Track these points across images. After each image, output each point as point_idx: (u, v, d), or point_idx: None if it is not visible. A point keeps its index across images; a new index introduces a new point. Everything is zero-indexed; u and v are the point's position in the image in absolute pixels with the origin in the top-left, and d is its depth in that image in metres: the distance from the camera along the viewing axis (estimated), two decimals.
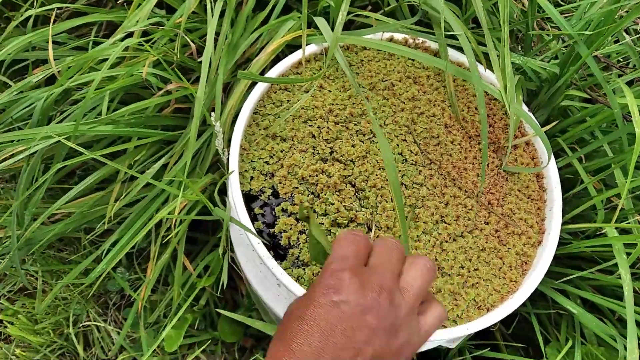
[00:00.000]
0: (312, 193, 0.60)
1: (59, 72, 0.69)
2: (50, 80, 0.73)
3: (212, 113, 0.64)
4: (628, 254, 0.54)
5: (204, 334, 0.80)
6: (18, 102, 0.68)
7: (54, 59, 0.70)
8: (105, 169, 0.71)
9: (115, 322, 0.83)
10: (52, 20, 0.71)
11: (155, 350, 0.76)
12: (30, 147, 0.62)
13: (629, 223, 0.58)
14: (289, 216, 0.59)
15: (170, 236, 0.68)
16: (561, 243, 0.64)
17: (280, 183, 0.61)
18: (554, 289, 0.64)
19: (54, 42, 0.71)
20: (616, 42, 0.68)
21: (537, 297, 0.69)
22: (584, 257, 0.67)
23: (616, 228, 0.56)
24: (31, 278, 0.86)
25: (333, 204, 0.60)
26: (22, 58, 0.79)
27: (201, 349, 0.70)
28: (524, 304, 0.70)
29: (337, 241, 0.42)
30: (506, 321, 0.74)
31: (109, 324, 0.82)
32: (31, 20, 0.76)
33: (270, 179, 0.61)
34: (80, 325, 0.83)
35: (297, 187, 0.60)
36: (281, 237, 0.58)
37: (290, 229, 0.59)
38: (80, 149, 0.56)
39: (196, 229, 0.85)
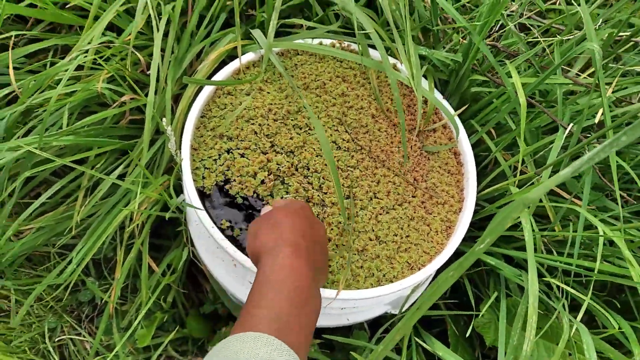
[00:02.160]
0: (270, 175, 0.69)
1: (20, 91, 0.76)
2: (12, 101, 0.79)
3: (164, 119, 0.72)
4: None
5: (174, 332, 0.85)
6: None
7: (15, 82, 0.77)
8: (67, 179, 0.78)
9: (89, 333, 0.87)
10: (10, 46, 0.78)
11: (130, 350, 0.81)
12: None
13: (529, 181, 0.68)
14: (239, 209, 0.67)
15: (134, 240, 0.75)
16: (478, 210, 0.74)
17: (235, 181, 0.68)
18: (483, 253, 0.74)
19: (13, 67, 0.78)
20: (501, 28, 0.80)
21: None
22: None
23: (517, 185, 0.66)
24: (4, 300, 0.89)
25: (291, 186, 0.68)
26: None
27: (167, 339, 0.75)
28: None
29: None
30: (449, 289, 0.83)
31: (83, 336, 0.86)
32: None
33: (221, 175, 0.69)
34: (56, 339, 0.87)
35: (252, 179, 0.68)
36: (233, 229, 0.66)
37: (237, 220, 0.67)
38: (48, 155, 0.62)
39: (158, 235, 0.91)
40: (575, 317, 0.60)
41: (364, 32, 0.71)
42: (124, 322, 0.84)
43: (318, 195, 0.69)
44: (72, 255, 0.77)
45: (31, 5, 0.81)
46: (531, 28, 0.87)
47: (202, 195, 0.67)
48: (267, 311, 0.44)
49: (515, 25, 0.78)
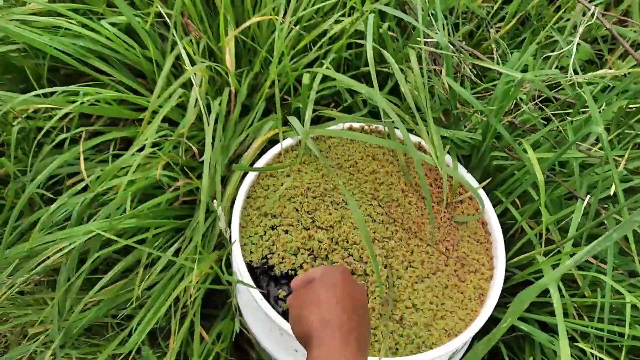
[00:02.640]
0: (311, 255, 0.75)
1: (90, 181, 0.86)
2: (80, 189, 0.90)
3: (214, 201, 0.81)
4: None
5: None
6: (58, 209, 0.84)
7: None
8: (128, 258, 0.86)
9: None
10: (82, 140, 0.90)
11: None
12: (72, 242, 0.77)
13: (555, 249, 0.72)
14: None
15: (187, 310, 0.81)
16: (509, 276, 0.78)
17: (277, 260, 0.75)
18: (517, 319, 0.77)
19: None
20: (517, 108, 0.87)
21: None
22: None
23: (544, 254, 0.70)
24: None
25: (336, 262, 0.74)
26: (55, 174, 0.97)
27: None
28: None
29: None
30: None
31: None
32: (67, 142, 0.94)
33: (267, 250, 0.76)
34: None
35: (293, 257, 0.75)
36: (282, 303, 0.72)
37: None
38: (115, 238, 0.71)
39: (207, 305, 0.97)
40: None
41: (389, 120, 0.80)
42: None
43: (360, 267, 0.75)
44: (132, 325, 0.84)
45: (94, 103, 0.94)
46: (552, 100, 0.94)
47: (251, 268, 0.74)
48: None
49: (531, 99, 0.85)
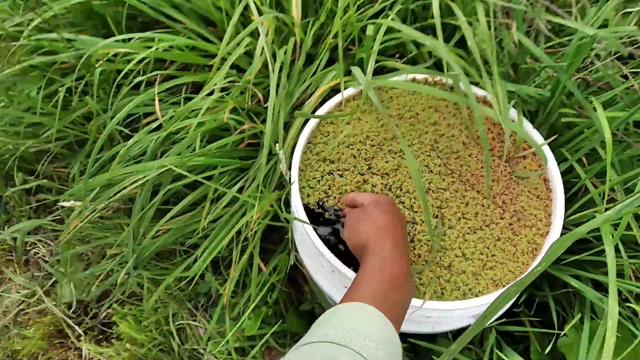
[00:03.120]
0: None
1: (164, 121, 0.93)
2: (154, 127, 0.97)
3: (276, 144, 0.85)
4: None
5: (276, 326, 0.97)
6: (135, 144, 0.91)
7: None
8: (196, 192, 0.93)
9: (204, 319, 1.02)
10: (157, 83, 0.96)
11: (237, 337, 0.94)
12: (146, 176, 0.85)
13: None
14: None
15: (248, 243, 0.88)
16: (567, 233, 0.77)
17: (332, 202, 0.78)
18: (568, 275, 0.76)
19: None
20: (593, 64, 0.83)
21: (555, 283, 0.81)
22: (593, 246, 0.78)
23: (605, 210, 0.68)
24: (136, 287, 1.07)
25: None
26: (133, 113, 1.05)
27: (270, 331, 0.87)
28: (542, 289, 0.82)
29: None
30: (529, 306, 0.86)
31: (199, 322, 1.01)
32: (143, 85, 1.01)
33: (323, 193, 0.79)
34: (177, 323, 1.02)
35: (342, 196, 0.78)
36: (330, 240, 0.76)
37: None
38: (185, 173, 0.77)
39: (266, 240, 1.04)
40: None
41: (453, 73, 0.78)
42: (234, 313, 0.97)
43: (409, 214, 0.77)
44: (197, 253, 0.92)
45: (167, 49, 1.00)
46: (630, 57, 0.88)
47: (307, 210, 0.78)
48: (370, 290, 0.55)
49: (610, 56, 0.80)
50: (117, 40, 1.01)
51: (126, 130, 1.00)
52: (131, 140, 0.87)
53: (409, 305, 0.61)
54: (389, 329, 0.51)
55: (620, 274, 0.70)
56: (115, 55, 1.06)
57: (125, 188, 0.89)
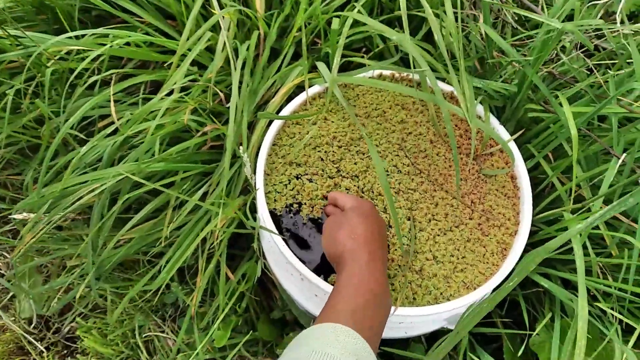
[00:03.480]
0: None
1: (120, 124, 0.88)
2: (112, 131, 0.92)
3: (240, 147, 0.81)
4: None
5: (247, 335, 0.94)
6: (90, 150, 0.86)
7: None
8: (158, 199, 0.88)
9: (172, 331, 0.98)
10: (112, 83, 0.90)
11: (207, 349, 0.91)
12: (103, 184, 0.80)
13: (583, 207, 0.69)
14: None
15: (214, 250, 0.84)
16: (536, 231, 0.77)
17: (305, 204, 0.76)
18: (538, 274, 0.76)
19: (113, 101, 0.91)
20: (559, 58, 0.82)
21: (525, 282, 0.81)
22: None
23: (573, 212, 0.68)
24: (100, 299, 1.03)
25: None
26: (88, 115, 0.99)
27: (242, 341, 0.84)
28: (514, 289, 0.81)
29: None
30: (501, 306, 0.86)
31: (167, 333, 0.97)
32: (97, 85, 0.95)
33: (291, 198, 0.77)
34: (144, 336, 0.99)
35: (317, 203, 0.76)
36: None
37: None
38: (143, 182, 0.73)
39: (233, 246, 1.00)
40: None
41: (420, 70, 0.76)
42: (203, 323, 0.94)
43: (385, 217, 0.75)
44: (161, 263, 0.88)
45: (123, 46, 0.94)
46: (595, 51, 0.88)
47: (274, 216, 0.75)
48: (346, 307, 0.53)
49: (575, 48, 0.80)
50: (70, 37, 0.95)
51: (81, 135, 0.95)
52: (85, 146, 0.82)
53: (387, 317, 0.58)
54: (365, 348, 0.49)
55: (588, 271, 0.70)
56: (68, 53, 0.99)
57: (81, 197, 0.84)
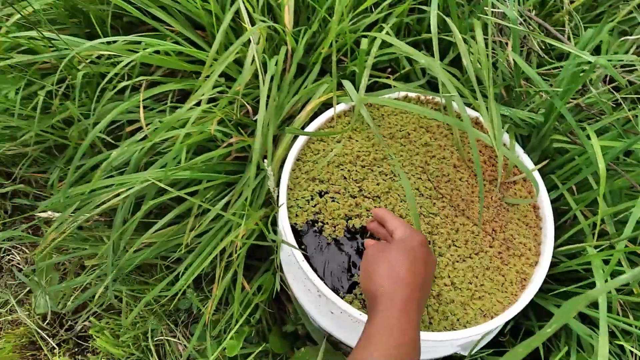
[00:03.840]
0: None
1: (149, 131, 0.90)
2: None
3: (265, 160, 0.82)
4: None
5: (258, 346, 0.95)
6: (119, 155, 0.88)
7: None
8: (180, 207, 0.90)
9: (183, 337, 0.99)
10: (142, 89, 0.92)
11: (218, 357, 0.92)
12: (130, 188, 0.82)
13: (609, 244, 0.69)
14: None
15: (232, 260, 0.85)
16: (556, 263, 0.76)
17: (327, 224, 0.76)
18: (554, 305, 0.76)
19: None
20: (585, 89, 0.82)
21: (542, 313, 0.80)
22: (581, 277, 0.78)
23: (596, 247, 0.68)
24: (115, 300, 1.04)
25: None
26: (116, 120, 1.01)
27: (255, 352, 0.85)
28: (529, 318, 0.81)
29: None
30: (515, 335, 0.85)
31: (179, 339, 0.98)
32: (128, 90, 0.97)
33: (312, 215, 0.77)
34: (155, 339, 1.00)
35: (339, 223, 0.76)
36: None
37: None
38: (169, 189, 0.74)
39: (250, 257, 1.01)
40: None
41: (448, 94, 0.77)
42: (215, 331, 0.95)
43: None
44: (179, 269, 0.89)
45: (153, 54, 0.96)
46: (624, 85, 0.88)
47: (294, 231, 0.76)
48: (379, 353, 0.50)
49: (603, 81, 0.80)
50: (102, 42, 0.97)
51: (108, 138, 0.97)
52: (115, 151, 0.84)
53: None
54: None
55: (608, 307, 0.70)
56: (99, 57, 1.02)
57: (107, 200, 0.85)
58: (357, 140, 0.84)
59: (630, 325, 0.65)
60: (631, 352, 0.65)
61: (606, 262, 0.68)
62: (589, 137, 0.69)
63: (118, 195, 0.84)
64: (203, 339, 0.93)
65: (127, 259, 0.88)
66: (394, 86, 0.90)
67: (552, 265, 0.74)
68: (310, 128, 0.84)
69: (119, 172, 0.92)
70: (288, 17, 0.99)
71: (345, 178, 0.80)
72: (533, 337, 0.31)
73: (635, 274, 0.29)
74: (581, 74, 0.68)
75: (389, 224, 0.64)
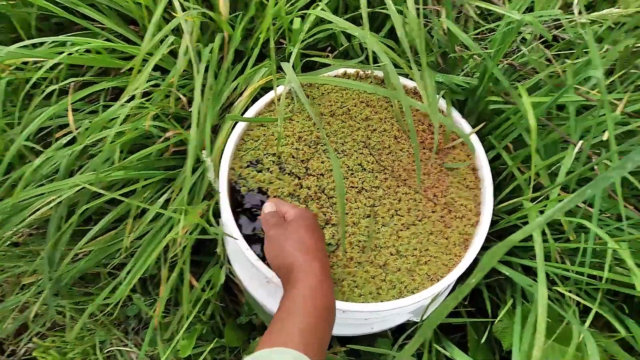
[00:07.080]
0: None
1: (78, 133, 0.99)
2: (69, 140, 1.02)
3: (204, 151, 0.92)
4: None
5: (213, 342, 1.04)
6: (46, 162, 0.96)
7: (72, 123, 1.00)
8: (118, 208, 0.99)
9: (135, 345, 1.08)
10: (70, 91, 1.02)
11: None
12: (60, 196, 0.90)
13: (542, 195, 0.81)
14: None
15: (176, 258, 0.95)
16: (497, 221, 0.88)
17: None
18: (500, 262, 0.88)
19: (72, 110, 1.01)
20: (520, 49, 0.95)
21: (491, 271, 0.92)
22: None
23: (533, 200, 0.80)
24: (59, 316, 1.12)
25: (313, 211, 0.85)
26: (45, 126, 1.09)
27: (207, 349, 0.94)
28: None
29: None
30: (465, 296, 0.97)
31: (130, 347, 1.07)
32: (55, 94, 1.06)
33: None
34: (106, 351, 1.08)
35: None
36: None
37: None
38: (102, 191, 0.83)
39: (198, 253, 1.10)
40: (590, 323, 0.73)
41: (378, 64, 0.88)
42: (167, 334, 1.03)
43: (336, 217, 0.86)
44: (122, 274, 0.97)
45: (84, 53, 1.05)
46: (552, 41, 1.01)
47: (237, 214, 0.86)
48: (297, 329, 0.59)
49: (535, 39, 0.93)
50: (25, 46, 1.05)
51: (38, 147, 1.05)
52: (39, 158, 0.92)
53: (331, 334, 0.66)
54: None
55: (547, 256, 0.82)
56: (25, 62, 1.09)
57: (36, 211, 0.93)
58: (298, 122, 0.95)
59: (568, 270, 0.77)
60: (570, 297, 0.77)
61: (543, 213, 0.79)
62: (521, 96, 0.81)
63: (49, 204, 0.92)
64: (155, 344, 1.02)
65: (64, 270, 0.96)
66: (333, 64, 1.02)
67: (494, 223, 0.85)
68: (249, 114, 0.95)
69: (50, 180, 0.99)
70: (223, 3, 1.09)
71: (294, 157, 0.90)
72: (460, 287, 0.39)
73: (559, 207, 0.37)
74: (510, 34, 0.80)
75: (281, 209, 0.78)
